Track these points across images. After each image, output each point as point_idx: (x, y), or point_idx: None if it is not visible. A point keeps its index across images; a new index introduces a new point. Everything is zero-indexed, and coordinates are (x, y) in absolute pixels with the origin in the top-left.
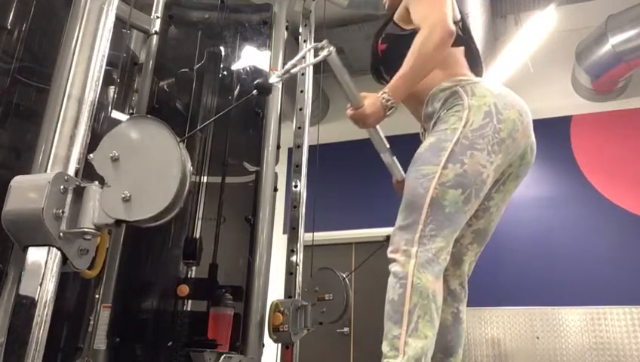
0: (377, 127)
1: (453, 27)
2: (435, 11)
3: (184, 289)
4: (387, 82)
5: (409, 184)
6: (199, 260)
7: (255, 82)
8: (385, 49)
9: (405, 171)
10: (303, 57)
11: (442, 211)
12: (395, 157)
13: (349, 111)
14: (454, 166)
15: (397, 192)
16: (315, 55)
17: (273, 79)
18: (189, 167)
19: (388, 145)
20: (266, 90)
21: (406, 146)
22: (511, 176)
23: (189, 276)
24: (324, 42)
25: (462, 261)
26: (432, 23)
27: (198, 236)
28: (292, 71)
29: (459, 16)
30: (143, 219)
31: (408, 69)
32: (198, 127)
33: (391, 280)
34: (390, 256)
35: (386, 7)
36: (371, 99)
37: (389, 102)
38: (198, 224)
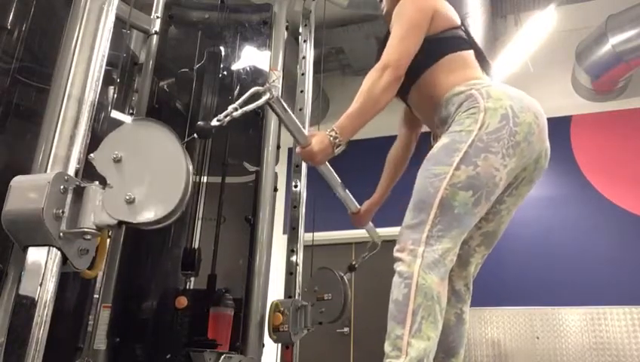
0: (327, 163)
1: (402, 73)
2: (393, 50)
3: (182, 301)
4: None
5: (419, 183)
6: (198, 271)
7: (196, 125)
8: None
9: (361, 201)
10: (245, 101)
11: (451, 212)
12: (347, 191)
13: (297, 150)
14: (467, 168)
15: (352, 222)
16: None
17: (214, 123)
18: (191, 170)
19: (339, 180)
20: (205, 132)
21: None
22: (524, 181)
23: (187, 287)
24: (266, 87)
25: (468, 262)
26: (384, 65)
27: (197, 246)
28: (234, 114)
29: (459, 22)
30: (148, 221)
31: (356, 109)
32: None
33: (396, 279)
34: (396, 254)
35: (384, 12)
36: (319, 137)
37: (337, 140)
38: (198, 224)
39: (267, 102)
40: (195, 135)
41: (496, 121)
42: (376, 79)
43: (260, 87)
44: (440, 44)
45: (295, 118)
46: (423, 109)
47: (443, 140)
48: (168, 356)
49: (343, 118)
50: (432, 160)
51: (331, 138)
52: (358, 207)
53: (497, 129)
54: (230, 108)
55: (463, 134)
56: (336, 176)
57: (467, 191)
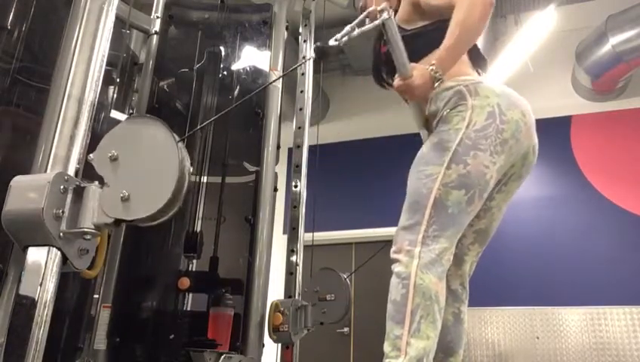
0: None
1: None
2: None
3: (185, 282)
4: (388, 85)
5: (412, 184)
6: (200, 254)
7: (315, 45)
8: (387, 51)
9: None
10: (362, 21)
11: (445, 212)
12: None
13: (397, 82)
14: (457, 166)
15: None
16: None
17: (331, 42)
18: (188, 166)
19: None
20: (325, 53)
21: (406, 146)
22: (513, 177)
23: (189, 269)
24: (384, 5)
25: (463, 261)
26: None
27: (199, 230)
28: (351, 35)
29: None
30: (141, 218)
31: (454, 41)
32: (198, 127)
33: (393, 280)
34: (393, 256)
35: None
36: (421, 71)
37: (438, 74)
38: (198, 224)
39: (383, 22)
40: (313, 54)
41: (482, 119)
42: (471, 7)
43: (377, 7)
44: (437, 34)
45: (403, 47)
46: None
47: (432, 139)
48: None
49: (440, 51)
50: (423, 160)
51: (432, 72)
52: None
53: (484, 127)
54: (348, 27)
55: (451, 133)
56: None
57: (460, 190)
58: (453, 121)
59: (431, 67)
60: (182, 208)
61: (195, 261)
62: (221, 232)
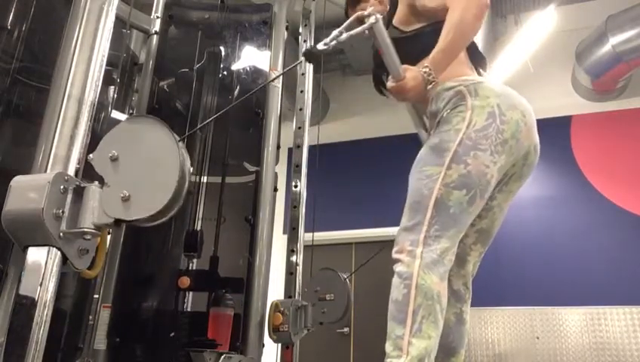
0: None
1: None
2: None
3: (185, 281)
4: (388, 90)
5: (413, 185)
6: (200, 253)
7: (305, 50)
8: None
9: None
10: (350, 25)
11: (447, 212)
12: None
13: (390, 83)
14: (458, 166)
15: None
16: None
17: (321, 46)
18: (188, 166)
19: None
20: (315, 57)
21: (406, 146)
22: (514, 177)
23: (189, 268)
24: (371, 9)
25: (466, 261)
26: None
27: (199, 229)
28: (339, 39)
29: None
30: (142, 218)
31: (449, 42)
32: (198, 126)
33: (395, 280)
34: (395, 256)
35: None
36: (413, 73)
37: (431, 77)
38: (199, 224)
39: (371, 27)
40: (303, 58)
41: (483, 119)
42: (466, 8)
43: (364, 12)
44: (434, 35)
45: (394, 49)
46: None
47: (432, 140)
48: (168, 356)
49: (434, 53)
50: (424, 161)
51: (425, 74)
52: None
53: (484, 127)
54: (336, 32)
55: (451, 133)
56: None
57: (461, 190)
58: (454, 121)
59: (424, 69)
60: (182, 208)
61: (195, 260)
62: (221, 232)
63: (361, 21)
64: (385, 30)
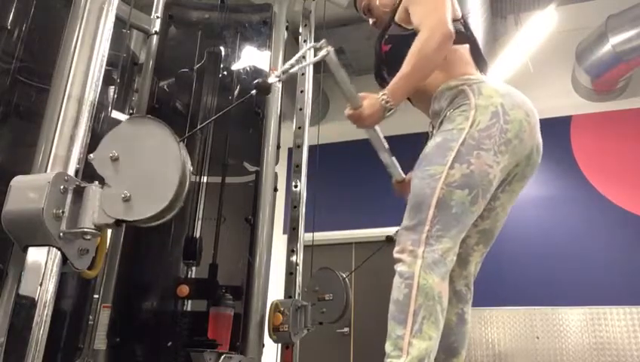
0: (376, 126)
1: (452, 30)
2: (434, 14)
3: (184, 290)
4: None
5: (415, 184)
6: (199, 260)
7: (254, 82)
8: (389, 50)
9: (404, 171)
10: (302, 57)
11: (449, 211)
12: (393, 158)
13: (348, 111)
14: (461, 166)
15: (395, 192)
16: (314, 55)
17: (272, 79)
18: (189, 167)
19: (387, 145)
20: (264, 89)
21: (406, 146)
22: (517, 177)
23: (189, 276)
24: (323, 42)
25: (468, 261)
26: (432, 26)
27: (198, 236)
28: (291, 71)
29: (460, 14)
30: (143, 218)
31: (408, 71)
32: (199, 127)
33: (396, 280)
34: (396, 256)
35: (361, 10)
36: (370, 100)
37: (388, 104)
38: (198, 224)
39: (324, 59)
40: (254, 92)
41: (486, 119)
42: (428, 38)
43: (317, 43)
44: None
45: (348, 78)
46: (420, 100)
47: (435, 139)
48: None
49: (394, 80)
50: (426, 160)
51: (383, 102)
52: (403, 176)
53: (488, 126)
54: (287, 64)
55: (454, 132)
56: (383, 139)
57: (463, 190)
58: (457, 120)
59: (382, 96)
60: (182, 208)
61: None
62: (221, 233)
63: (315, 51)
64: (337, 61)
